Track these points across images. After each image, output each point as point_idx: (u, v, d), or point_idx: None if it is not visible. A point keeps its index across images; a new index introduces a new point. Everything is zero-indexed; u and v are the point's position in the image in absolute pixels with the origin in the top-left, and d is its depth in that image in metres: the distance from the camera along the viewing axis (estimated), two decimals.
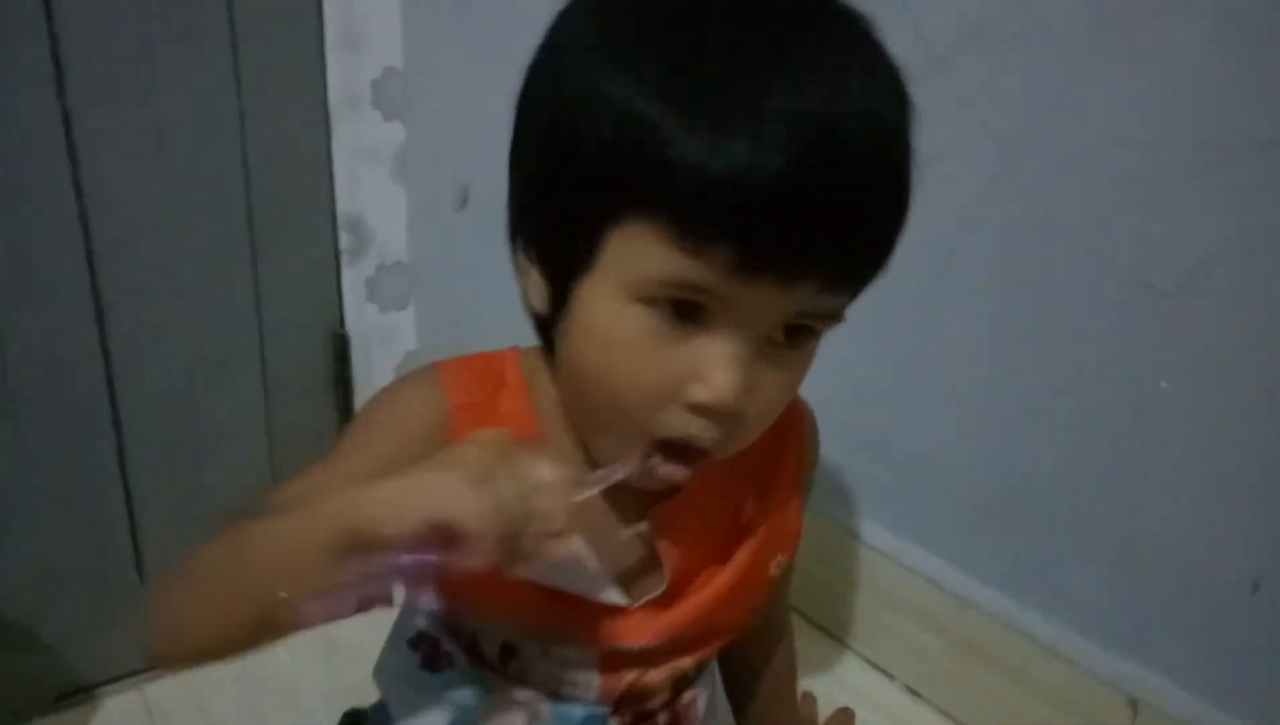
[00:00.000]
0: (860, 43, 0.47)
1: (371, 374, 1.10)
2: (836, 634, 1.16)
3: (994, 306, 0.98)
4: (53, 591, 0.96)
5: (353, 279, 1.06)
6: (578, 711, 0.65)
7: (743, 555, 0.62)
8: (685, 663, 0.66)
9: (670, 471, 0.51)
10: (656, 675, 0.65)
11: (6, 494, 0.91)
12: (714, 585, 0.62)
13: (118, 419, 0.95)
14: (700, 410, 0.48)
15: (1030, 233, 0.94)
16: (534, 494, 0.42)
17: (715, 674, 0.78)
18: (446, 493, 0.41)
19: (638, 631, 0.61)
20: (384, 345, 1.10)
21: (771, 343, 0.48)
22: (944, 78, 0.96)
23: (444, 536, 0.40)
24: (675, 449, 0.50)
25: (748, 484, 0.62)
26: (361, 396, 1.10)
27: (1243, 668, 0.82)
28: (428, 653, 0.68)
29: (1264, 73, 0.76)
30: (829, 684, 1.09)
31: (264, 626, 0.44)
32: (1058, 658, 0.93)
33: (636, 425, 0.49)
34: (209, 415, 1.00)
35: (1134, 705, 0.87)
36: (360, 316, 1.07)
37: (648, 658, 0.63)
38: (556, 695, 0.65)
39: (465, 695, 0.67)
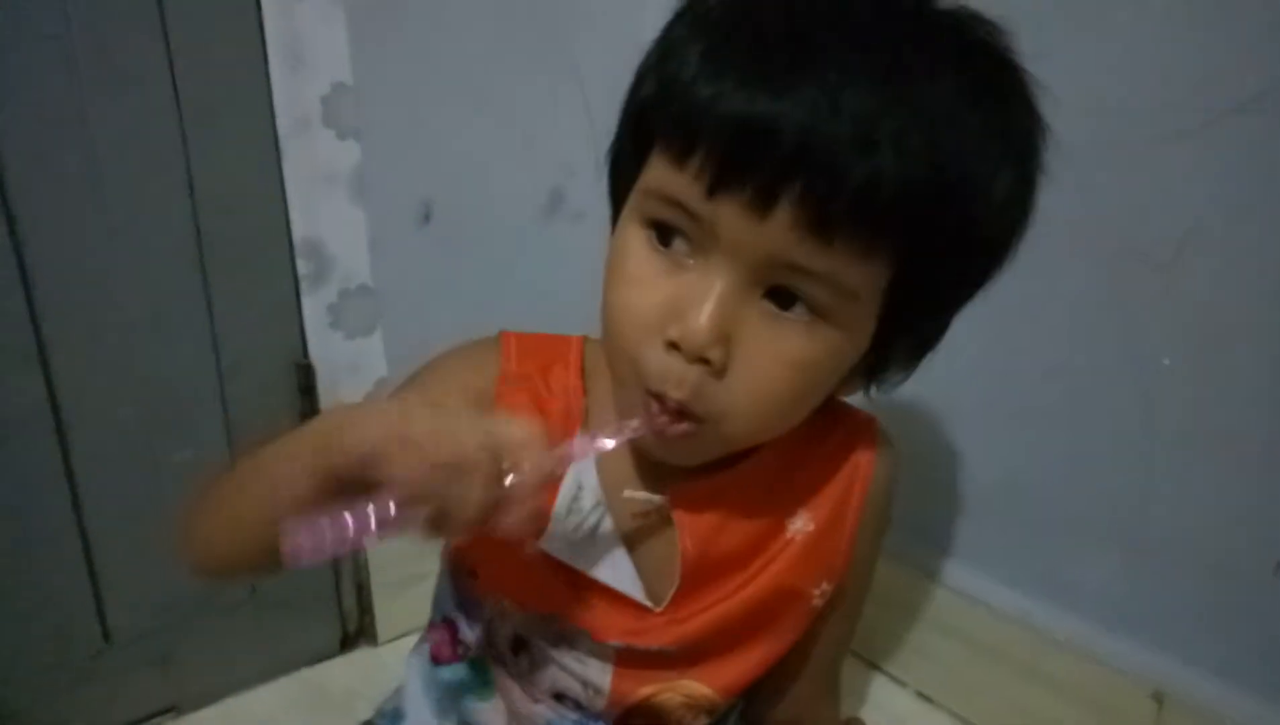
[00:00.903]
0: (945, 81, 0.47)
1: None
2: None
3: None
4: (15, 660, 0.91)
5: (314, 307, 1.01)
6: None
7: (778, 569, 0.60)
8: (704, 691, 0.62)
9: (662, 423, 0.51)
10: (671, 698, 0.62)
11: None
12: (742, 594, 0.59)
13: (71, 475, 0.89)
14: (673, 348, 0.48)
15: None
16: (498, 447, 0.43)
17: None
18: (390, 422, 0.42)
19: (658, 633, 0.59)
20: (352, 374, 1.05)
21: (767, 301, 0.48)
22: None
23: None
24: (661, 403, 0.51)
25: (799, 500, 0.60)
26: None
27: (1270, 651, 0.79)
28: (442, 639, 0.70)
29: (1235, 31, 0.74)
30: None
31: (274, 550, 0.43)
32: (1075, 653, 0.90)
33: (632, 366, 0.51)
34: (169, 461, 0.95)
35: (1159, 697, 0.84)
36: (325, 345, 1.02)
37: (665, 662, 0.61)
38: (560, 698, 0.63)
39: (467, 694, 0.68)
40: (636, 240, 0.51)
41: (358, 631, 1.14)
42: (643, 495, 0.58)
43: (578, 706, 0.63)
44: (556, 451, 0.51)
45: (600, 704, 0.62)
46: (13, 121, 0.80)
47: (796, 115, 0.43)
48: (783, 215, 0.45)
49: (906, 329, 0.54)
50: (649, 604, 0.59)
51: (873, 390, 0.60)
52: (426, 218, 1.05)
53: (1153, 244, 0.79)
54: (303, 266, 0.98)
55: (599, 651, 0.61)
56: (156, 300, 0.91)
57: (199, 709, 1.03)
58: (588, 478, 0.59)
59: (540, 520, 0.58)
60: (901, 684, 1.07)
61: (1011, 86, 0.51)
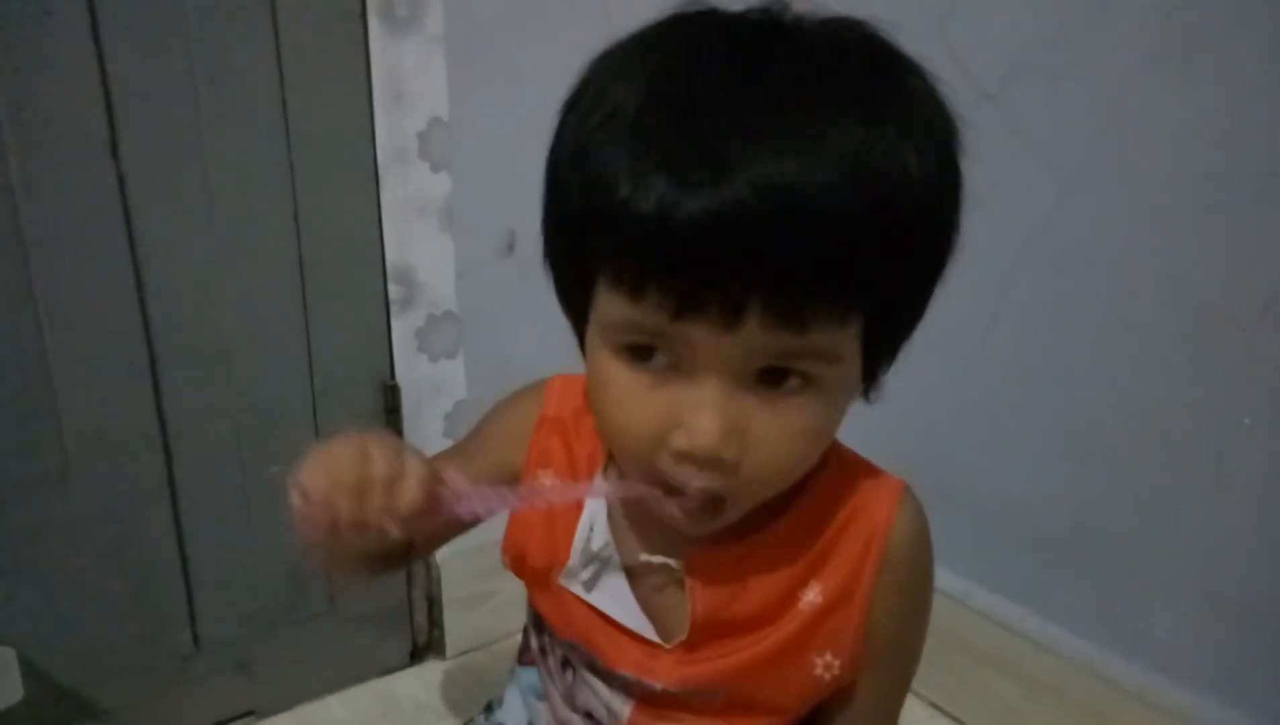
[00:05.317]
0: (850, 109, 0.46)
1: (422, 425, 1.08)
2: None
3: (1054, 341, 0.97)
4: (110, 660, 0.95)
5: (403, 330, 1.04)
6: None
7: (783, 634, 0.60)
8: None
9: (674, 512, 0.53)
10: None
11: (64, 564, 0.90)
12: (747, 652, 0.61)
13: (173, 483, 0.94)
14: (684, 458, 0.49)
15: (1091, 264, 0.92)
16: (391, 473, 0.48)
17: None
18: (308, 454, 0.49)
19: (665, 672, 0.62)
20: (434, 395, 1.09)
21: (759, 386, 0.49)
22: (994, 111, 0.95)
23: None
24: (681, 495, 0.52)
25: (813, 571, 0.60)
26: None
27: None
28: (524, 644, 0.76)
29: None
30: None
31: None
32: (1144, 703, 0.90)
33: (644, 471, 0.52)
34: (262, 474, 0.99)
35: None
36: (411, 367, 1.06)
37: (675, 704, 0.64)
38: (589, 716, 0.68)
39: (529, 694, 0.75)
40: (613, 366, 0.51)
41: (427, 645, 1.17)
42: (659, 560, 0.61)
43: None
44: (571, 486, 0.59)
45: None
46: (137, 148, 0.84)
47: (734, 228, 0.43)
48: (752, 321, 0.45)
49: (890, 349, 0.54)
50: (658, 640, 0.62)
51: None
52: (511, 247, 1.08)
53: (1238, 305, 0.80)
54: (394, 291, 1.02)
55: (621, 685, 0.65)
56: (258, 321, 0.95)
57: (276, 714, 1.07)
58: (599, 521, 0.62)
59: (560, 556, 0.64)
60: (961, 723, 1.08)
61: (902, 79, 0.49)
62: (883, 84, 0.48)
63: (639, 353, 0.50)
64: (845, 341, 0.49)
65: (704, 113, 0.45)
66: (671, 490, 0.52)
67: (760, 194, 0.43)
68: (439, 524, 0.54)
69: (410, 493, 0.49)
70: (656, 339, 0.48)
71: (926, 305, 0.54)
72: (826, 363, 0.49)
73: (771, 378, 0.49)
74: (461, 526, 0.68)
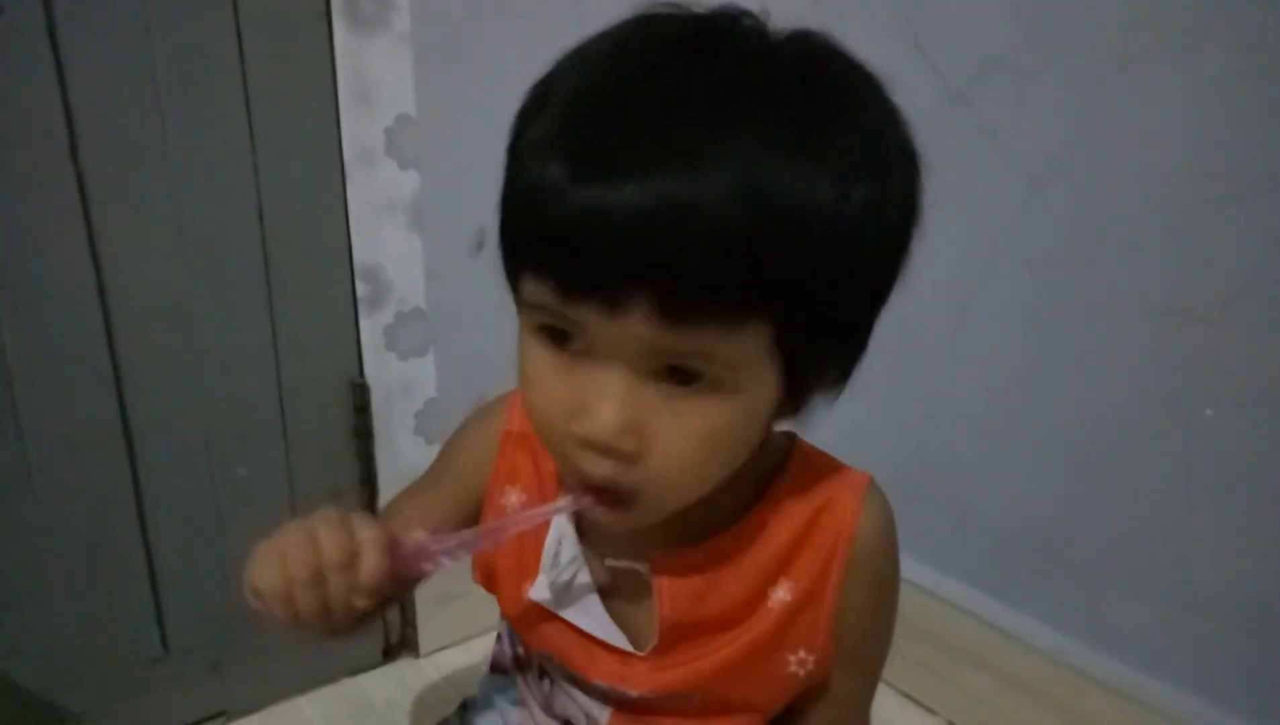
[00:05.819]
0: (760, 126, 0.46)
1: (392, 424, 1.08)
2: None
3: (1024, 338, 0.97)
4: (78, 665, 0.94)
5: (371, 328, 1.04)
6: None
7: (755, 634, 0.61)
8: None
9: (591, 509, 0.54)
10: None
11: (28, 570, 0.89)
12: (719, 655, 0.62)
13: (138, 486, 0.93)
14: (584, 443, 0.50)
15: (1059, 262, 0.93)
16: (344, 552, 0.50)
17: None
18: (255, 554, 0.51)
19: (639, 679, 0.63)
20: (405, 393, 1.08)
21: (666, 383, 0.49)
22: (964, 111, 0.96)
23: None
24: (594, 489, 0.53)
25: (781, 569, 0.60)
26: (382, 447, 1.08)
27: None
28: (498, 651, 0.77)
29: None
30: None
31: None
32: (1112, 693, 0.92)
33: (559, 457, 0.54)
34: (229, 475, 0.98)
35: None
36: (380, 366, 1.05)
37: (652, 709, 0.64)
38: (568, 723, 0.69)
39: (503, 702, 0.76)
40: (532, 345, 0.52)
41: (400, 643, 1.17)
42: (625, 564, 0.62)
43: None
44: (529, 514, 0.59)
45: None
46: (97, 149, 0.83)
47: (617, 223, 0.44)
48: (637, 313, 0.46)
49: (817, 362, 0.53)
50: (630, 649, 0.63)
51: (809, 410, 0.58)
52: (480, 245, 1.08)
53: (1200, 302, 0.81)
54: (362, 290, 1.02)
55: (599, 693, 0.65)
56: (224, 321, 0.94)
57: (246, 715, 1.06)
58: (567, 533, 0.63)
59: (529, 570, 0.64)
60: (933, 713, 1.09)
61: (846, 105, 0.49)
62: (815, 107, 0.48)
63: (556, 336, 0.50)
64: (745, 350, 0.48)
65: (616, 110, 0.46)
66: (585, 483, 0.53)
67: (645, 197, 0.44)
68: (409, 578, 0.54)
69: (369, 565, 0.50)
70: (561, 321, 0.49)
71: (858, 328, 0.53)
72: (728, 368, 0.48)
73: (680, 377, 0.49)
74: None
